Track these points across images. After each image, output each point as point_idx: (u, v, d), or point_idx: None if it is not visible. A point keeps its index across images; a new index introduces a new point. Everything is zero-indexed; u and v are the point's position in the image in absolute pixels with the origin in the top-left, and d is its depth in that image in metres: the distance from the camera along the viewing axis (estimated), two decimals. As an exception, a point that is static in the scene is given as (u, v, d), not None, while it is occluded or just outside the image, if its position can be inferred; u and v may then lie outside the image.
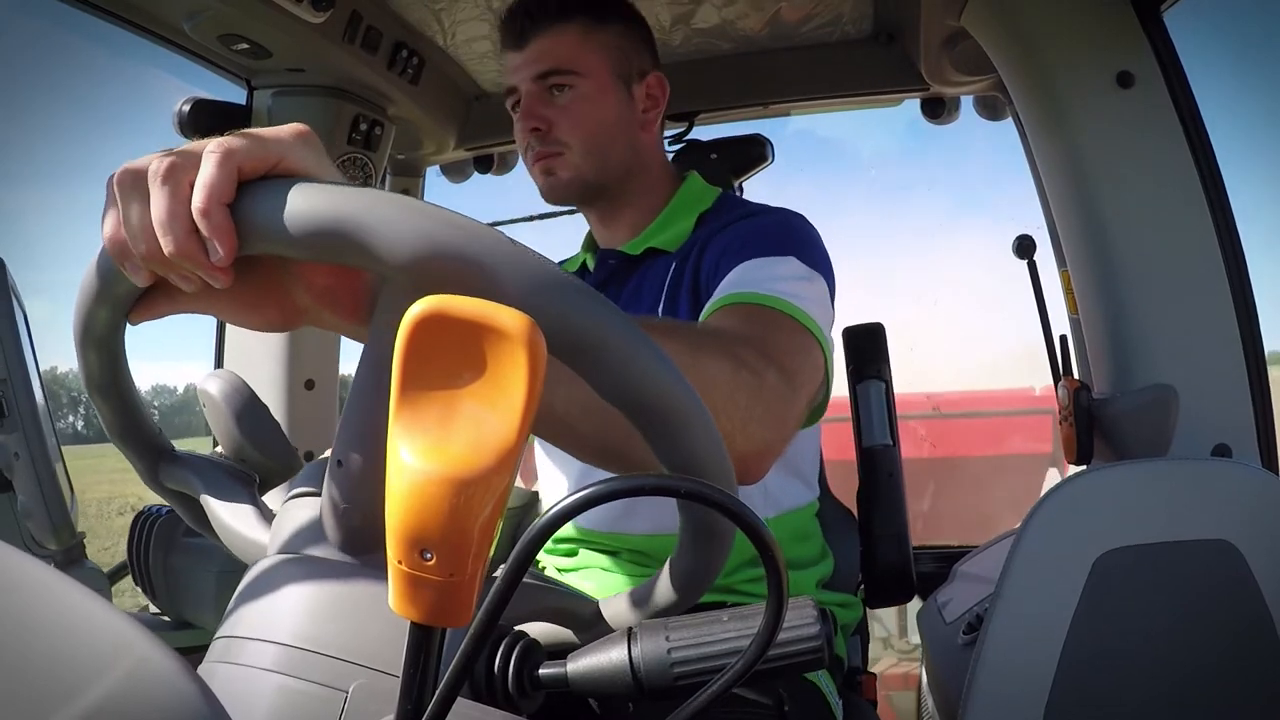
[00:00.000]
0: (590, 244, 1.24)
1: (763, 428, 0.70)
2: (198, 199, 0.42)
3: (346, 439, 0.47)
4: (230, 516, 0.60)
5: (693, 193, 1.16)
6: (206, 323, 1.67)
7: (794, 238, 1.00)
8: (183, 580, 1.24)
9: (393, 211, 0.41)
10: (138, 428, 0.62)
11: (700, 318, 0.91)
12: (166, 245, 0.43)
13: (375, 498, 0.38)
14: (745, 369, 0.70)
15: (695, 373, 0.62)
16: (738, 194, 1.71)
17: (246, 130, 0.45)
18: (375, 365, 0.46)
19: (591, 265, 1.20)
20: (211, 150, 0.43)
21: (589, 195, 1.13)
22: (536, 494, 1.69)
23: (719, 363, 0.68)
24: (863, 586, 1.39)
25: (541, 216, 1.90)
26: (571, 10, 1.06)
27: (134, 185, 0.44)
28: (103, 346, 0.54)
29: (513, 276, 0.40)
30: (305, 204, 0.42)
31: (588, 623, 0.59)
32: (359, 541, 0.47)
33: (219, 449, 1.09)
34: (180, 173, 0.43)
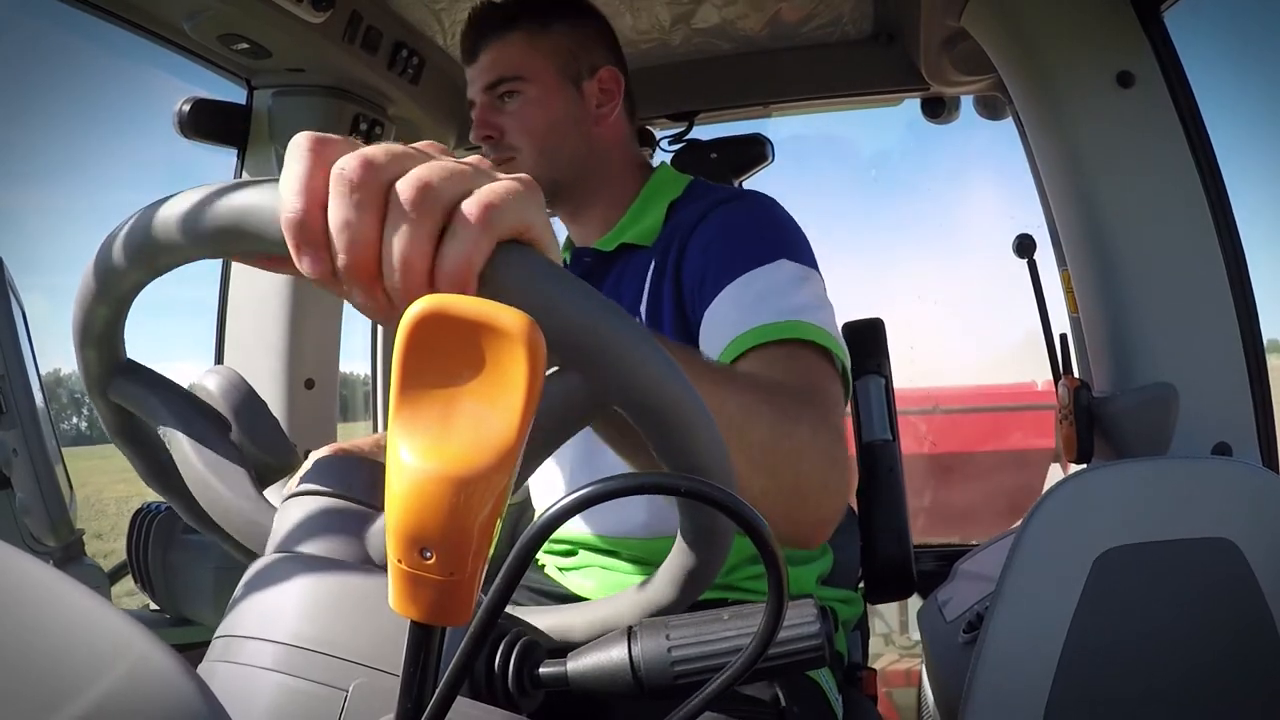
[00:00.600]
0: (568, 244, 1.24)
1: (816, 468, 0.71)
2: (453, 264, 0.38)
3: None
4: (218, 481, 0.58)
5: (662, 182, 1.16)
6: (207, 322, 1.67)
7: (774, 233, 1.00)
8: (181, 577, 1.24)
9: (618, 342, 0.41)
10: (138, 428, 0.62)
11: (717, 346, 0.91)
12: (395, 280, 0.39)
13: None
14: (799, 426, 0.71)
15: (748, 433, 0.65)
16: None
17: (500, 182, 0.41)
18: None
19: (569, 264, 1.20)
20: (479, 204, 0.39)
21: (547, 195, 1.11)
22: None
23: (772, 422, 0.69)
24: (863, 582, 1.39)
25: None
26: (515, 18, 1.09)
27: (367, 186, 0.39)
28: (102, 345, 0.54)
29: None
30: (542, 299, 0.40)
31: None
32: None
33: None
34: (434, 206, 0.39)
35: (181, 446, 0.59)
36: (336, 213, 0.38)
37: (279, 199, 0.40)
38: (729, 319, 0.92)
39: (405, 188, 0.38)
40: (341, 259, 0.39)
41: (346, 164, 0.39)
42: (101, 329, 0.53)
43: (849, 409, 1.45)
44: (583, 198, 1.15)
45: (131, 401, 0.59)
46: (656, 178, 1.17)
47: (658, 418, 0.44)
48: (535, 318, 0.35)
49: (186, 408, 0.60)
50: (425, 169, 0.39)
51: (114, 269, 0.48)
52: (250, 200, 0.42)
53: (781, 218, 1.04)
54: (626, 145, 1.18)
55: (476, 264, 0.38)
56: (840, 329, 0.94)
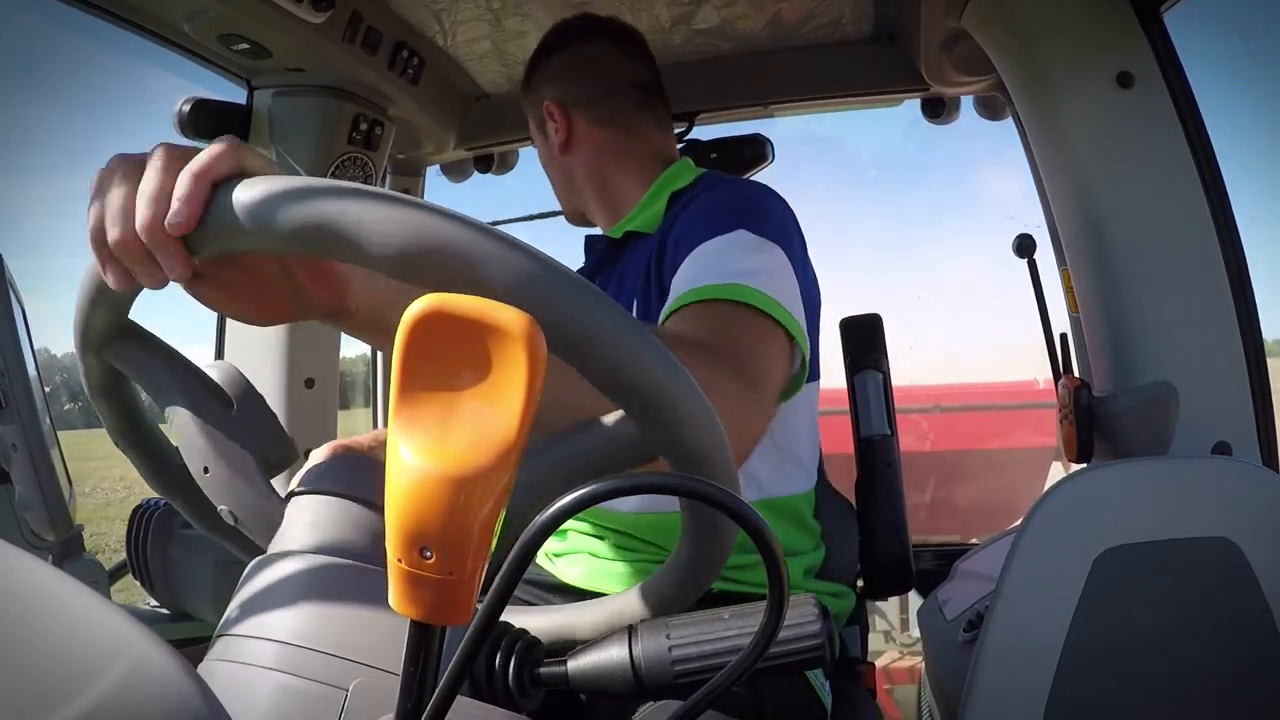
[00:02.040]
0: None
1: (736, 435, 0.70)
2: (177, 207, 0.46)
3: None
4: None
5: (674, 174, 1.19)
6: (208, 321, 1.67)
7: (744, 208, 1.00)
8: (181, 572, 1.25)
9: (377, 204, 0.41)
10: (139, 430, 0.61)
11: (662, 313, 0.92)
12: (141, 219, 0.46)
13: None
14: (726, 384, 0.72)
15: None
16: None
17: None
18: None
19: (584, 254, 1.27)
20: (191, 165, 0.47)
21: (576, 217, 1.32)
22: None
23: (700, 378, 0.68)
24: (861, 577, 1.39)
25: (541, 215, 1.90)
26: (522, 90, 1.31)
27: (120, 174, 0.48)
28: (101, 350, 0.54)
29: (500, 267, 0.40)
30: (288, 200, 0.43)
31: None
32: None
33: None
34: (160, 177, 0.47)
35: (186, 425, 0.58)
36: (105, 206, 0.48)
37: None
38: (679, 285, 0.93)
39: (146, 172, 0.48)
40: (115, 233, 0.48)
41: (101, 171, 0.49)
42: (102, 333, 0.53)
43: (848, 403, 1.46)
44: (599, 203, 1.25)
45: (131, 366, 0.58)
46: (671, 170, 1.20)
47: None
48: (263, 212, 0.42)
49: (190, 380, 0.59)
50: (158, 157, 0.48)
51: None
52: None
53: (756, 196, 1.05)
54: (617, 147, 1.22)
55: (193, 208, 0.45)
56: (795, 298, 0.94)
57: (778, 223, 1.00)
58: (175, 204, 0.45)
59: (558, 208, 1.36)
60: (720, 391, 0.70)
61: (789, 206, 1.06)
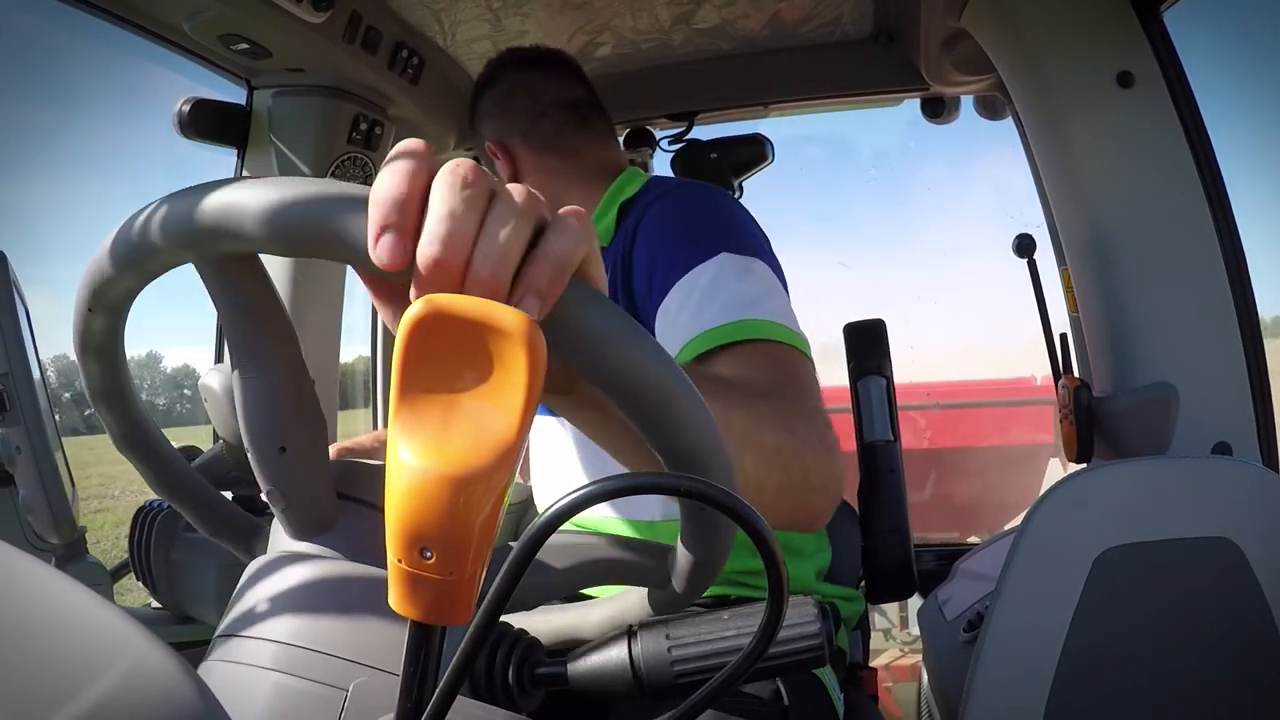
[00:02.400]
0: None
1: (818, 460, 0.74)
2: (555, 257, 0.38)
3: None
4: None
5: (621, 185, 1.18)
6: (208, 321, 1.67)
7: (712, 224, 1.00)
8: (184, 575, 1.24)
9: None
10: (141, 434, 0.61)
11: (665, 344, 0.91)
12: (484, 273, 0.37)
13: None
14: (790, 424, 0.74)
15: (754, 441, 0.68)
16: (738, 194, 1.71)
17: (575, 215, 0.41)
18: None
19: None
20: (577, 213, 0.40)
21: None
22: (537, 491, 1.69)
23: (770, 424, 0.72)
24: (864, 581, 1.39)
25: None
26: (473, 137, 1.29)
27: (478, 186, 0.38)
28: (102, 355, 0.54)
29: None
30: (600, 338, 0.40)
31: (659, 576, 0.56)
32: None
33: (220, 442, 1.09)
34: (534, 210, 0.39)
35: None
36: (442, 203, 0.37)
37: (372, 192, 0.39)
38: (681, 320, 0.93)
39: (511, 191, 0.39)
40: (433, 249, 0.37)
41: (459, 165, 0.39)
42: (101, 339, 0.53)
43: (851, 408, 1.46)
44: None
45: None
46: (618, 181, 1.18)
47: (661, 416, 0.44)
48: (596, 348, 0.38)
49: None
50: (519, 186, 0.40)
51: (106, 276, 0.48)
52: (341, 197, 0.40)
53: (717, 206, 1.04)
54: (560, 168, 1.22)
55: (574, 262, 0.38)
56: (791, 309, 0.95)
57: (746, 231, 1.00)
58: (532, 279, 0.37)
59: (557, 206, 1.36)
60: (812, 431, 0.76)
61: (739, 203, 1.07)
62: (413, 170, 0.38)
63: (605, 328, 0.39)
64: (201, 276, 0.48)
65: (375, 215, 0.37)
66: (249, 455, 0.50)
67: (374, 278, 0.45)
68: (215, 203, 0.42)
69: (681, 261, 0.96)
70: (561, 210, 0.40)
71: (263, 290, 0.50)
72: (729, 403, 0.69)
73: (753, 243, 0.98)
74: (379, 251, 0.37)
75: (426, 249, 0.36)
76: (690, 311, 0.92)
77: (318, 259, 0.42)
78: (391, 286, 0.46)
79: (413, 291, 0.37)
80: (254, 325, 0.49)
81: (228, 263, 0.48)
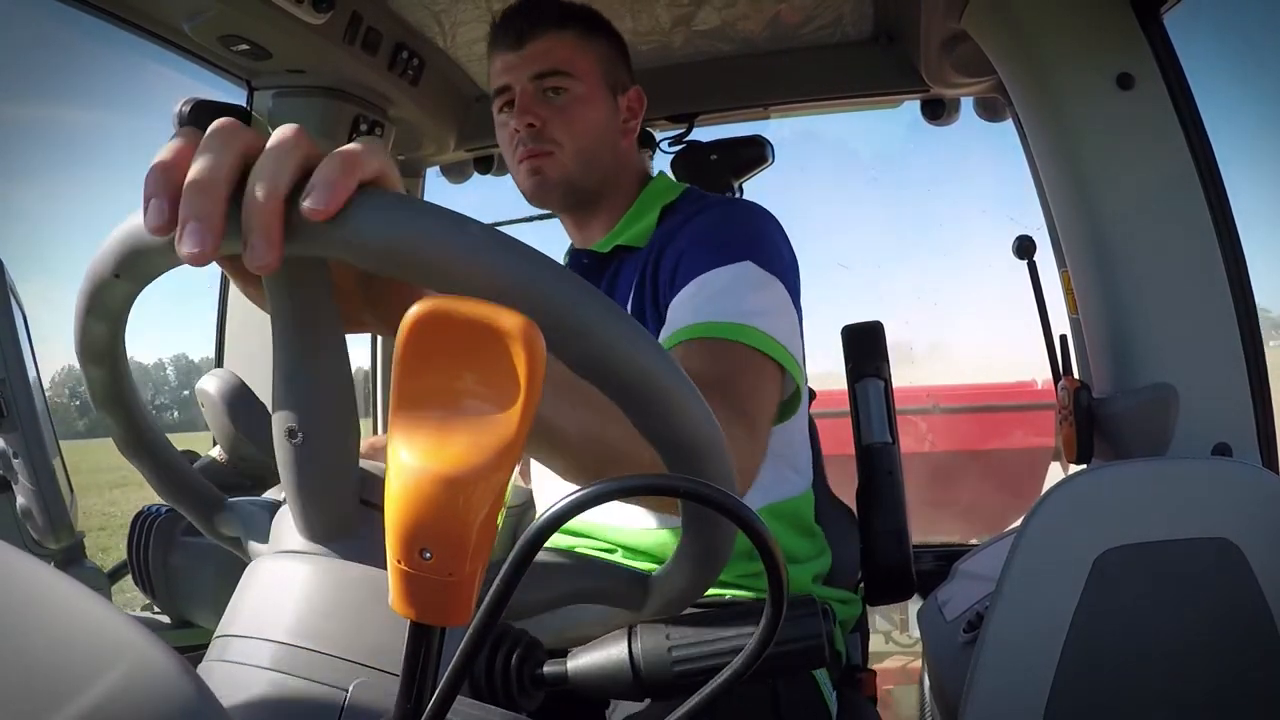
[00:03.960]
0: (570, 248, 1.27)
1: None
2: (317, 194, 0.39)
3: None
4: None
5: (659, 189, 1.19)
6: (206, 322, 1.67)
7: (746, 236, 1.01)
8: (182, 579, 1.24)
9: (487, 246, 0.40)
10: (144, 438, 0.61)
11: (662, 337, 0.93)
12: (252, 209, 0.39)
13: None
14: (726, 425, 0.73)
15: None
16: (738, 194, 1.71)
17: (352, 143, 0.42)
18: None
19: (568, 265, 1.22)
20: (341, 151, 0.40)
21: (571, 199, 1.15)
22: (536, 492, 1.69)
23: None
24: (862, 584, 1.39)
25: (541, 217, 1.90)
26: (569, 18, 1.11)
27: (232, 134, 0.40)
28: (104, 360, 0.54)
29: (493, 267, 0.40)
30: (408, 222, 0.40)
31: (636, 598, 0.57)
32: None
33: (217, 447, 1.09)
34: (297, 151, 0.40)
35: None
36: (198, 158, 0.39)
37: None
38: (683, 312, 0.94)
39: (273, 139, 0.40)
40: (189, 191, 0.39)
41: (218, 124, 0.40)
42: (103, 344, 0.53)
43: (849, 410, 1.46)
44: (595, 205, 1.18)
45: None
46: (654, 185, 1.19)
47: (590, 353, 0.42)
48: (397, 247, 0.38)
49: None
50: (289, 129, 0.41)
51: (105, 282, 0.48)
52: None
53: (760, 223, 1.05)
54: (637, 159, 1.22)
55: (340, 195, 0.39)
56: (794, 334, 0.96)
57: (776, 251, 1.01)
58: (318, 187, 0.38)
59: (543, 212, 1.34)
60: (727, 433, 0.74)
61: (780, 226, 1.07)
62: (177, 144, 0.40)
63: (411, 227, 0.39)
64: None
65: (146, 189, 0.40)
66: (276, 449, 0.49)
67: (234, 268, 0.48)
68: (368, 206, 0.42)
69: (706, 260, 0.97)
70: (347, 145, 0.41)
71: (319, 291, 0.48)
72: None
73: (780, 264, 0.99)
74: (147, 219, 0.39)
75: (185, 190, 0.38)
76: (695, 304, 0.94)
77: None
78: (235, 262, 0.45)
79: (178, 231, 0.38)
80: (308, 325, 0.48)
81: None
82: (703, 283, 0.96)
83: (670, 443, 0.45)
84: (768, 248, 1.00)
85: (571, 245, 1.26)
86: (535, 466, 1.22)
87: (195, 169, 0.39)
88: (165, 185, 0.39)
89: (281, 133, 0.40)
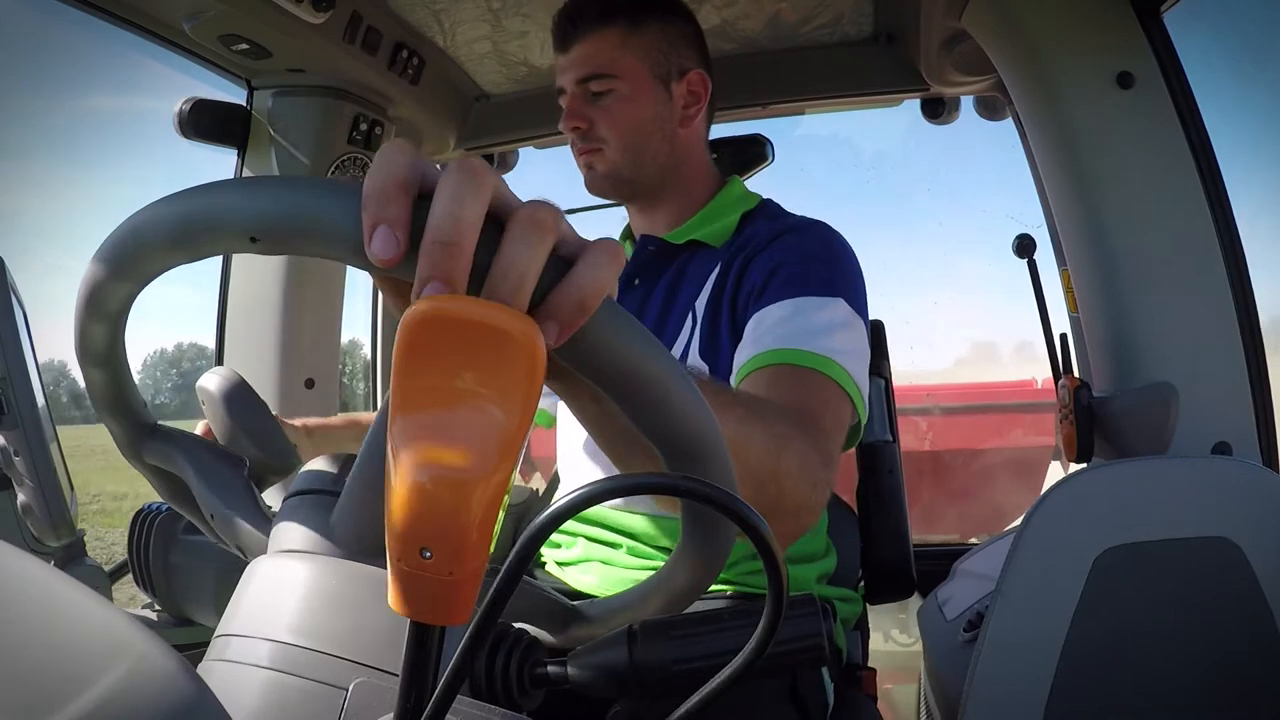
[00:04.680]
0: (628, 233, 1.28)
1: (798, 488, 0.75)
2: (584, 286, 0.37)
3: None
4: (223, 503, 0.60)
5: (737, 193, 1.21)
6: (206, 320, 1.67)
7: (843, 274, 1.04)
8: (182, 577, 1.24)
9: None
10: (144, 440, 0.61)
11: (748, 356, 0.96)
12: (503, 285, 0.36)
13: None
14: (786, 451, 0.74)
15: (741, 454, 0.65)
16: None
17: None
18: None
19: (629, 252, 1.22)
20: (605, 245, 0.38)
21: (626, 189, 1.18)
22: (536, 491, 1.69)
23: (763, 445, 0.72)
24: (862, 582, 1.39)
25: (574, 210, 1.90)
26: (611, 14, 1.12)
27: (482, 180, 0.36)
28: (104, 362, 0.54)
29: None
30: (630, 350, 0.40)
31: (565, 624, 0.59)
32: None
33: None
34: (554, 228, 0.37)
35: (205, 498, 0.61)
36: (448, 196, 0.35)
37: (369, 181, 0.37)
38: (770, 330, 0.97)
39: (530, 207, 0.37)
40: (434, 240, 0.35)
41: (467, 160, 0.37)
42: (102, 346, 0.53)
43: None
44: (658, 194, 1.19)
45: (167, 462, 0.62)
46: (732, 187, 1.21)
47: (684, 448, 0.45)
48: (618, 365, 0.39)
49: (207, 456, 0.62)
50: (540, 201, 0.38)
51: (102, 284, 0.48)
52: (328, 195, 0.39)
53: (851, 259, 1.08)
54: (704, 148, 1.22)
55: (600, 296, 0.37)
56: (864, 368, 0.99)
57: (862, 290, 1.05)
58: (558, 309, 0.36)
59: (559, 206, 1.34)
60: (796, 445, 0.76)
61: (857, 259, 1.09)
62: (405, 163, 0.37)
63: (618, 339, 0.40)
64: None
65: (369, 208, 0.36)
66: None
67: (387, 280, 0.44)
68: (206, 204, 0.42)
69: (805, 283, 1.00)
70: (594, 240, 0.39)
71: None
72: (729, 407, 0.69)
73: (864, 304, 1.04)
74: (374, 246, 0.36)
75: (429, 240, 0.35)
76: (783, 327, 0.97)
77: (317, 258, 0.42)
78: (405, 289, 0.41)
79: (415, 286, 0.35)
80: None
81: None
82: (797, 305, 0.98)
83: (670, 441, 0.45)
84: (859, 288, 1.04)
85: (629, 228, 1.27)
86: (562, 455, 1.22)
87: (445, 216, 0.35)
88: (397, 213, 0.36)
89: (535, 214, 0.37)
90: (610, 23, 1.11)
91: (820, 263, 1.04)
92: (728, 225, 1.15)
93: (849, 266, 1.06)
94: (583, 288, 0.37)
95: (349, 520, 0.49)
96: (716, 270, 1.10)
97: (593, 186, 1.18)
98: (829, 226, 1.11)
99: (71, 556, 1.18)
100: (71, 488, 1.15)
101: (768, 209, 1.19)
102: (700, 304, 1.09)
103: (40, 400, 1.05)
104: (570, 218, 0.42)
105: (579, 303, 0.37)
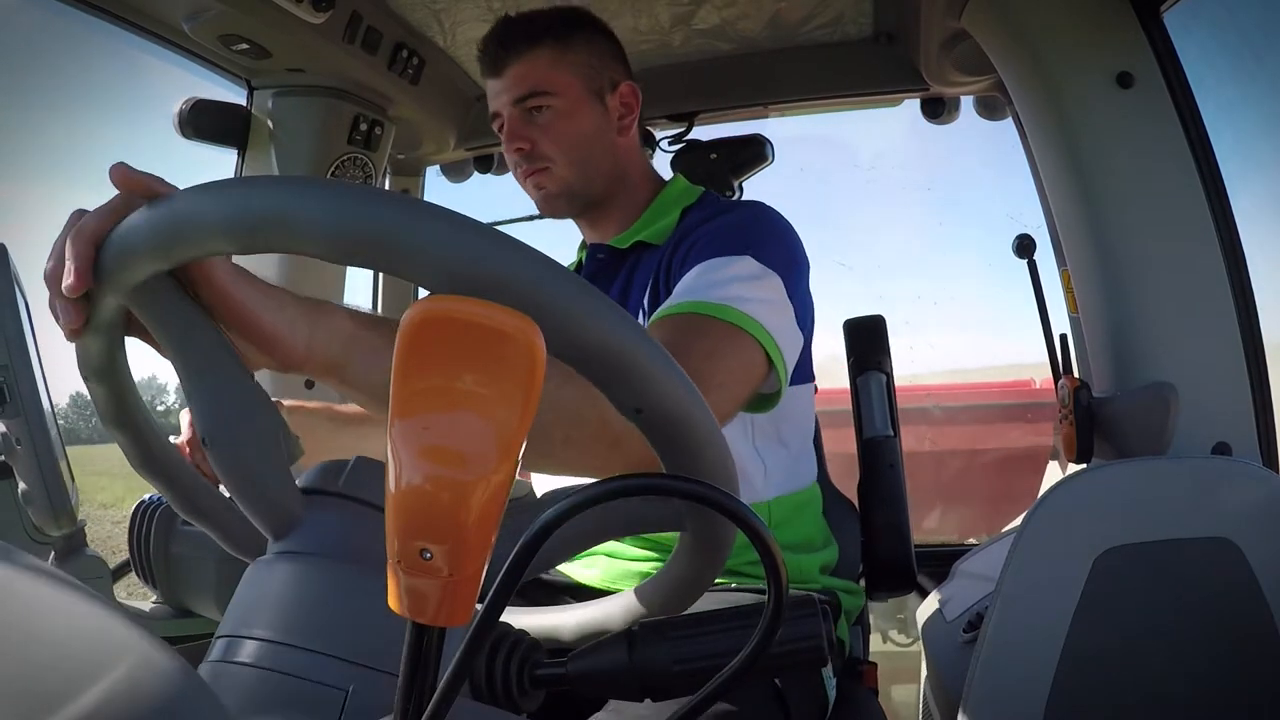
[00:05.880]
0: (582, 243, 1.29)
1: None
2: (70, 246, 0.48)
3: None
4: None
5: (678, 190, 1.21)
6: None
7: (753, 234, 1.03)
8: (183, 569, 1.24)
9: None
10: (158, 455, 0.61)
11: (651, 319, 0.95)
12: (48, 280, 0.50)
13: None
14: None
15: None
16: (737, 194, 1.72)
17: None
18: None
19: (584, 261, 1.25)
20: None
21: (579, 204, 1.19)
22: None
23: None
24: (863, 577, 1.39)
25: (541, 216, 1.90)
26: (539, 36, 1.13)
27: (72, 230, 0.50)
28: (105, 377, 0.54)
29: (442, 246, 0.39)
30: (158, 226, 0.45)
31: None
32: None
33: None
34: (69, 226, 0.50)
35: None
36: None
37: None
38: (681, 290, 0.97)
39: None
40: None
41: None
42: (102, 361, 0.53)
43: (850, 404, 1.46)
44: (605, 202, 1.20)
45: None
46: (673, 186, 1.22)
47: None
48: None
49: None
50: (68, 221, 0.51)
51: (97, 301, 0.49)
52: None
53: (768, 223, 1.07)
54: (641, 153, 1.24)
55: (81, 267, 0.48)
56: (786, 325, 0.97)
57: (780, 251, 1.03)
58: (67, 265, 0.48)
59: None
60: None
61: (792, 229, 1.08)
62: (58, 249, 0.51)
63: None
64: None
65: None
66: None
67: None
68: (177, 210, 0.43)
69: (714, 249, 1.00)
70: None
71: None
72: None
73: (780, 262, 1.01)
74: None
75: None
76: (686, 289, 0.96)
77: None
78: None
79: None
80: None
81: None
82: (701, 269, 0.98)
83: (669, 440, 0.45)
84: (770, 245, 1.02)
85: (584, 240, 1.28)
86: None
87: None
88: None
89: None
90: (540, 43, 1.12)
91: (734, 229, 1.04)
92: (669, 223, 1.15)
93: (765, 229, 1.05)
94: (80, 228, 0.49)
95: (349, 521, 0.49)
96: (658, 265, 1.11)
97: (546, 207, 1.19)
98: (762, 204, 1.12)
99: (72, 547, 1.18)
100: (72, 477, 1.15)
101: (706, 199, 1.20)
102: (646, 301, 1.10)
103: (42, 389, 1.05)
104: (529, 225, 0.46)
105: (81, 240, 0.49)
